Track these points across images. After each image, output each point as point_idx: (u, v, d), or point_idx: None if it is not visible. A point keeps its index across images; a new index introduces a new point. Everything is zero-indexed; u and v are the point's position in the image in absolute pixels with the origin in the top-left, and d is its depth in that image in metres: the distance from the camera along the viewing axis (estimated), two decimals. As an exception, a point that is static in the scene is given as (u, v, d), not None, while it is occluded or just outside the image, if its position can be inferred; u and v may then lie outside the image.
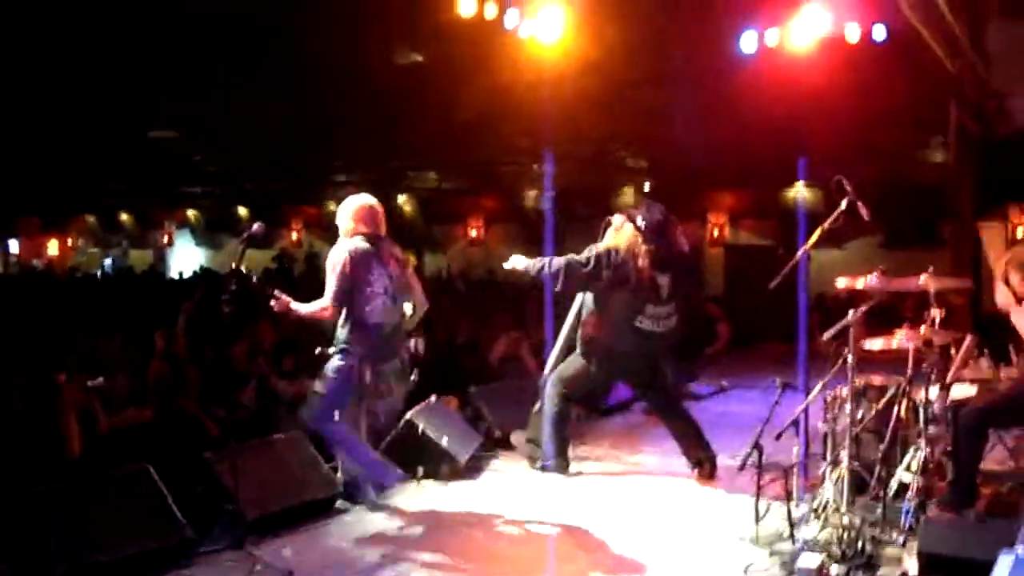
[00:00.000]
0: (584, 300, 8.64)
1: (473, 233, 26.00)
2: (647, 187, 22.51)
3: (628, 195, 22.67)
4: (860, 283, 7.22)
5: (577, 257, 8.33)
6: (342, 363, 7.37)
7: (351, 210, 7.62)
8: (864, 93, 14.93)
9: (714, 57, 14.24)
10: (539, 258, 8.54)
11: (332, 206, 26.78)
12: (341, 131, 19.52)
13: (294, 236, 31.58)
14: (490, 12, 10.69)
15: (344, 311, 7.37)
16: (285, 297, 7.38)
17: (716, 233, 22.46)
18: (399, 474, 7.82)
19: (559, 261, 8.37)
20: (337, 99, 18.51)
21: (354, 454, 7.65)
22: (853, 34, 11.82)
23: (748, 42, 12.27)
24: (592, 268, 8.24)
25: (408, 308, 7.79)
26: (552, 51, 11.04)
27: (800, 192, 20.34)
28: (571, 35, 10.93)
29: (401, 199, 26.27)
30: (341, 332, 7.43)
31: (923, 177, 18.70)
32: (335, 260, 7.35)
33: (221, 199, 30.87)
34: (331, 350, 7.45)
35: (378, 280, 7.44)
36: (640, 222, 8.27)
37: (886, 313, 10.63)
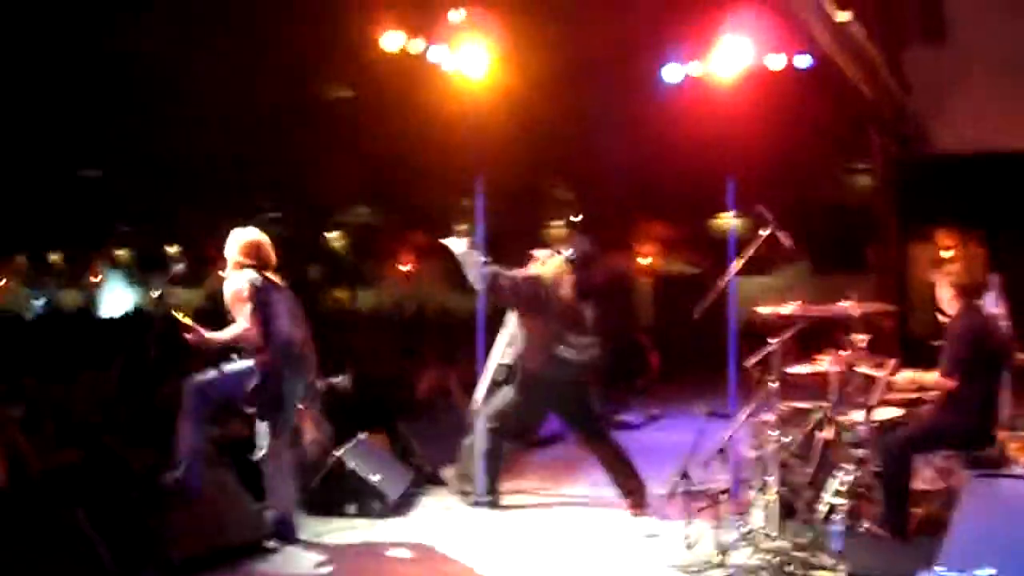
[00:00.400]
0: (512, 332, 8.66)
1: (405, 268, 25.89)
2: (577, 218, 22.59)
3: (558, 227, 22.73)
4: (783, 310, 7.29)
5: (505, 272, 8.37)
6: (247, 366, 7.41)
7: (239, 244, 7.72)
8: (789, 120, 15.14)
9: (639, 88, 14.37)
10: (479, 254, 8.53)
11: (262, 244, 26.86)
12: (269, 166, 19.42)
13: (221, 273, 31.19)
14: (415, 47, 10.72)
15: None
16: (199, 328, 7.32)
17: (646, 263, 22.52)
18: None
19: (490, 269, 8.40)
20: (265, 134, 18.45)
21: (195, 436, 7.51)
22: (776, 63, 11.98)
23: (672, 73, 12.38)
24: (512, 287, 8.30)
25: None
26: (478, 85, 11.05)
27: (729, 221, 20.63)
28: (496, 69, 10.95)
29: (332, 235, 26.17)
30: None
31: (849, 202, 18.92)
32: (237, 288, 7.45)
33: (151, 238, 30.55)
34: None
35: (279, 302, 7.57)
36: (569, 253, 8.31)
37: (817, 337, 10.74)
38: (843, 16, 9.26)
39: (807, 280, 19.76)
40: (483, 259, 8.42)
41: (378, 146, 18.34)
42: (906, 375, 7.30)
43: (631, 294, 22.56)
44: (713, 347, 8.53)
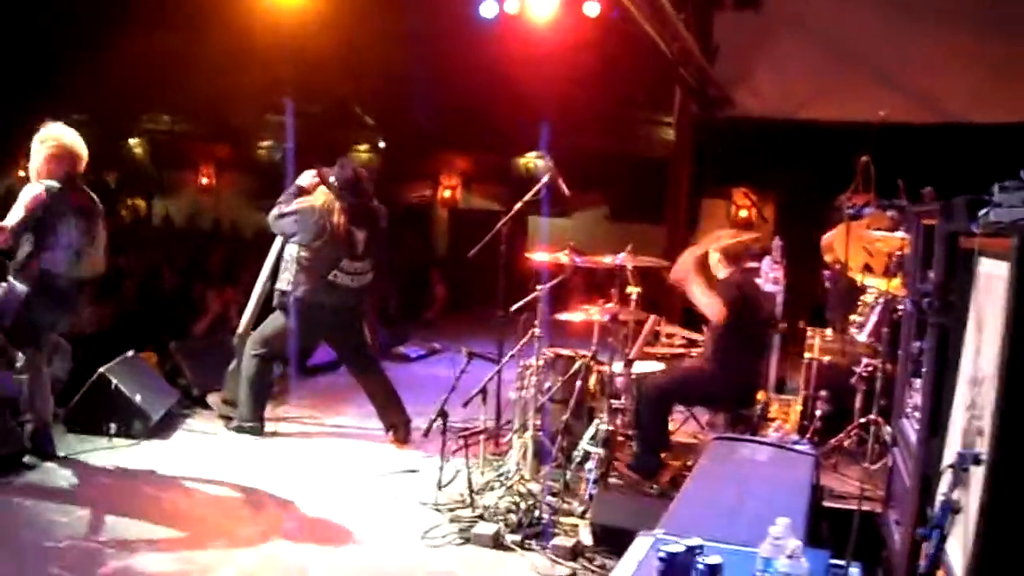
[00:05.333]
0: (280, 254, 8.56)
1: (204, 180, 25.25)
2: (381, 145, 22.42)
3: (362, 152, 22.51)
4: (554, 258, 7.37)
5: (283, 209, 8.26)
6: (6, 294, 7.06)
7: (45, 145, 7.22)
8: (601, 68, 15.23)
9: (453, 20, 14.25)
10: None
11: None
12: (71, 66, 18.66)
13: (21, 173, 29.93)
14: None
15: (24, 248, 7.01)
16: None
17: (447, 195, 22.49)
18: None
19: (272, 213, 8.34)
20: (68, 32, 17.74)
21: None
22: (592, 9, 12.00)
23: (488, 7, 12.29)
24: (291, 222, 8.22)
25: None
26: (293, 2, 10.83)
27: (533, 160, 20.76)
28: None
29: (133, 141, 25.36)
30: (15, 266, 7.07)
31: (652, 154, 19.18)
32: (26, 193, 6.97)
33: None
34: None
35: (69, 224, 7.10)
36: (332, 180, 8.23)
37: (603, 284, 10.91)
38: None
39: (603, 225, 20.04)
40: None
41: (188, 56, 17.81)
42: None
43: (426, 225, 22.57)
44: (495, 286, 8.53)
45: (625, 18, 10.91)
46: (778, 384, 9.97)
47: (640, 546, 4.02)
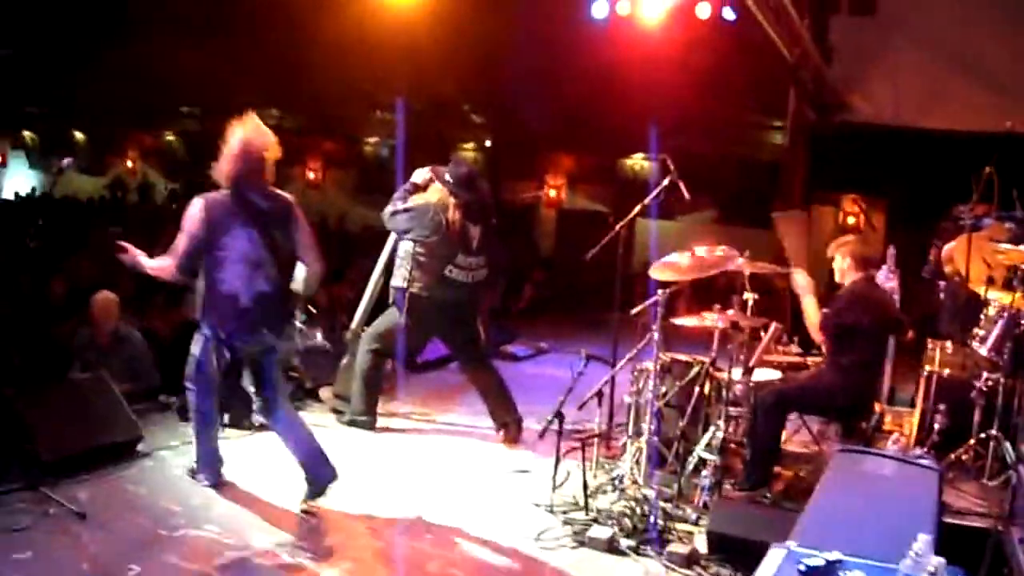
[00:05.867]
0: (394, 252, 8.59)
1: (311, 176, 25.55)
2: (487, 143, 22.50)
3: (468, 150, 22.62)
4: (679, 262, 7.33)
5: (398, 205, 8.31)
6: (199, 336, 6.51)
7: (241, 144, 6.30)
8: (712, 70, 15.14)
9: (565, 21, 14.26)
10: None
11: (170, 136, 26.37)
12: (186, 60, 18.98)
13: (129, 164, 30.52)
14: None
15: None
16: (133, 249, 6.41)
17: (552, 195, 22.47)
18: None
19: (387, 210, 8.36)
20: (183, 27, 18.06)
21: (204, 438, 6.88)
22: (704, 11, 11.94)
23: (599, 8, 12.29)
24: (407, 219, 8.23)
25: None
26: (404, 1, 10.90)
27: (640, 162, 20.70)
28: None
29: (242, 135, 25.70)
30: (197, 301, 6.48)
31: (761, 158, 19.03)
32: (187, 212, 6.29)
33: (57, 121, 29.75)
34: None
35: (236, 240, 6.24)
36: (447, 177, 8.24)
37: (711, 288, 10.79)
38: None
39: (711, 229, 19.87)
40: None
41: (296, 52, 18.04)
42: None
43: (530, 224, 22.57)
44: (609, 286, 8.48)
45: (744, 21, 10.84)
46: (889, 394, 9.80)
47: (774, 558, 3.95)
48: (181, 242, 6.25)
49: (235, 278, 6.25)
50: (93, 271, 10.30)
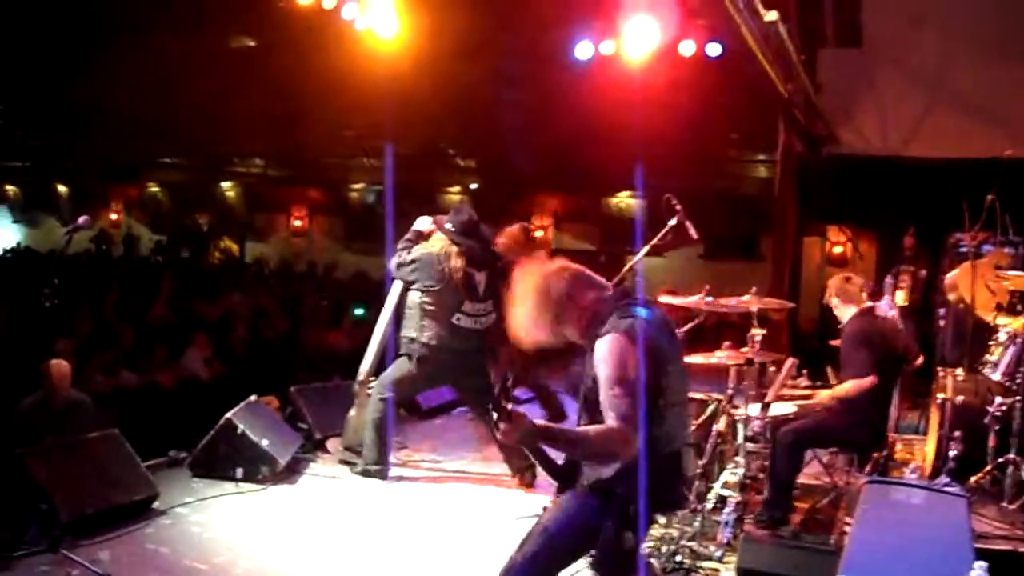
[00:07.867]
0: (402, 302, 8.61)
1: (297, 223, 25.58)
2: (473, 187, 22.58)
3: (453, 194, 22.68)
4: (687, 302, 7.34)
5: (403, 257, 8.36)
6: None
7: None
8: (696, 107, 15.24)
9: (549, 62, 14.34)
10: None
11: (153, 187, 26.35)
12: (168, 112, 19.03)
13: (113, 216, 30.41)
14: (328, 1, 10.55)
15: None
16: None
17: (539, 236, 22.55)
18: None
19: (393, 261, 8.44)
20: (165, 79, 18.07)
21: None
22: (688, 48, 12.04)
23: (584, 49, 12.38)
24: (411, 271, 8.31)
25: None
26: (388, 46, 10.92)
27: (625, 200, 20.80)
28: (408, 32, 10.85)
29: (225, 185, 25.75)
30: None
31: (745, 192, 19.14)
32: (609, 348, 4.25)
33: (40, 176, 29.72)
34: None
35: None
36: (448, 226, 8.30)
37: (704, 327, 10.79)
38: (771, 16, 9.30)
39: (698, 264, 19.98)
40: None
41: (280, 100, 18.07)
42: (824, 394, 7.44)
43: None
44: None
45: (729, 57, 10.91)
46: (895, 423, 9.83)
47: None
48: None
49: None
50: (90, 328, 10.24)
